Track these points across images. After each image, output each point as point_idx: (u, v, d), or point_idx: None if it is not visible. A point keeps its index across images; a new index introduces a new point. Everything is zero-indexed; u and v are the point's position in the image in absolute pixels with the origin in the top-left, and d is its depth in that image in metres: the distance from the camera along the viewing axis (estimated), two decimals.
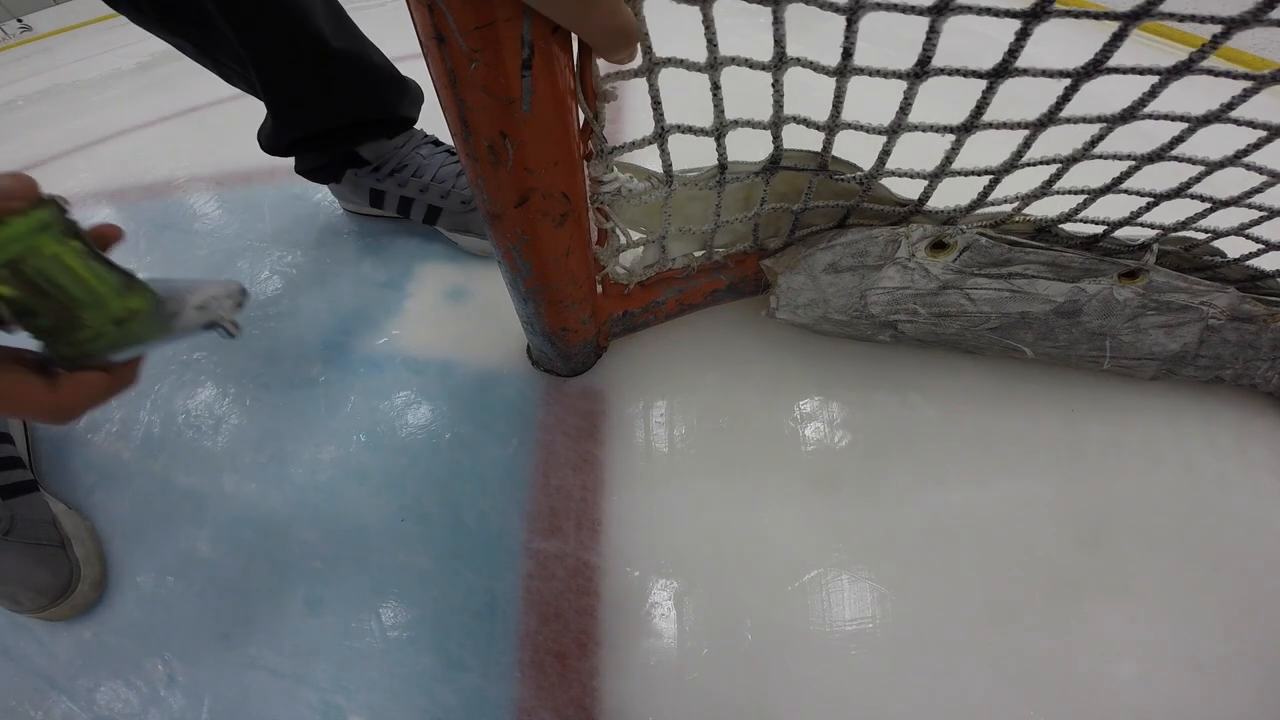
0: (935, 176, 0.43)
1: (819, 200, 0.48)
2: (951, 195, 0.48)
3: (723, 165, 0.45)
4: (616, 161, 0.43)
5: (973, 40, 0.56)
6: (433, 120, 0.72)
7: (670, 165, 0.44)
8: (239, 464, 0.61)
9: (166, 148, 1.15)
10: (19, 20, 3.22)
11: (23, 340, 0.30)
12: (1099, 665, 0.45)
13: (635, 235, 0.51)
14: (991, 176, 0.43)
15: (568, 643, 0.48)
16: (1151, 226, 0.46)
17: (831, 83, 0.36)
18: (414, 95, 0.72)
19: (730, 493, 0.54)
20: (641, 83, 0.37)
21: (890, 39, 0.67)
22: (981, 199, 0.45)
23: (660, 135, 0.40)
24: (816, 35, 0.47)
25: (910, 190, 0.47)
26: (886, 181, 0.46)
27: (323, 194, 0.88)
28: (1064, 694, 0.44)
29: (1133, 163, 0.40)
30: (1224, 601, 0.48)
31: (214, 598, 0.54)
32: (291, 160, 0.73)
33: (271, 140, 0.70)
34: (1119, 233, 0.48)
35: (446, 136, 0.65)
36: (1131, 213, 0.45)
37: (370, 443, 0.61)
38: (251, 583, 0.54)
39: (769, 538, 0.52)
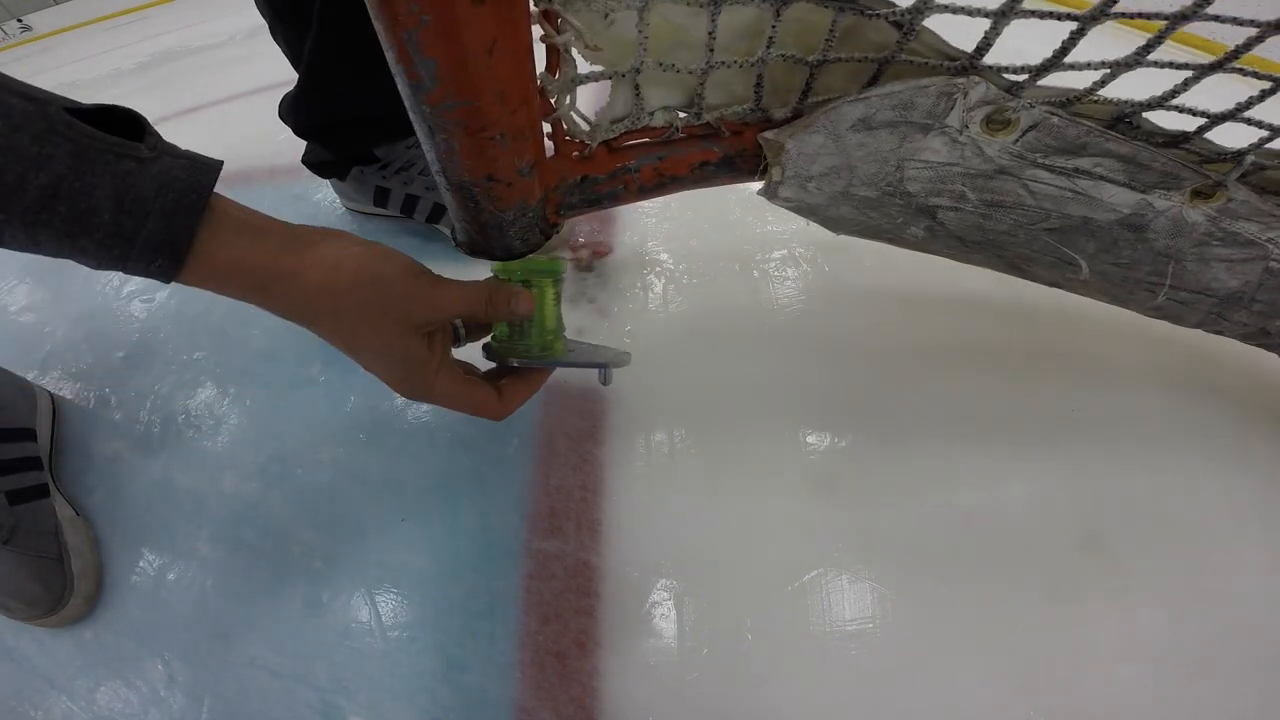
0: (1001, 15, 0.34)
1: (841, 51, 0.38)
2: (1012, 57, 0.38)
3: None
4: None
5: None
6: None
7: None
8: (239, 464, 0.61)
9: None
10: (19, 20, 3.21)
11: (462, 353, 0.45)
12: (1099, 665, 0.45)
13: (597, 67, 0.38)
14: (1077, 25, 0.34)
15: (568, 643, 0.48)
16: (1260, 125, 0.38)
17: None
18: None
19: (730, 492, 0.54)
20: None
21: None
22: (1059, 57, 0.36)
23: None
24: None
25: (963, 44, 0.37)
26: (934, 26, 0.36)
27: (323, 194, 0.88)
28: (1064, 694, 0.44)
29: (1258, 29, 0.31)
30: (1225, 601, 0.48)
31: (214, 598, 0.54)
32: (293, 158, 0.72)
33: (294, 114, 0.68)
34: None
35: None
36: (1238, 104, 0.37)
37: (370, 443, 0.60)
38: (251, 583, 0.54)
39: (769, 537, 0.52)
